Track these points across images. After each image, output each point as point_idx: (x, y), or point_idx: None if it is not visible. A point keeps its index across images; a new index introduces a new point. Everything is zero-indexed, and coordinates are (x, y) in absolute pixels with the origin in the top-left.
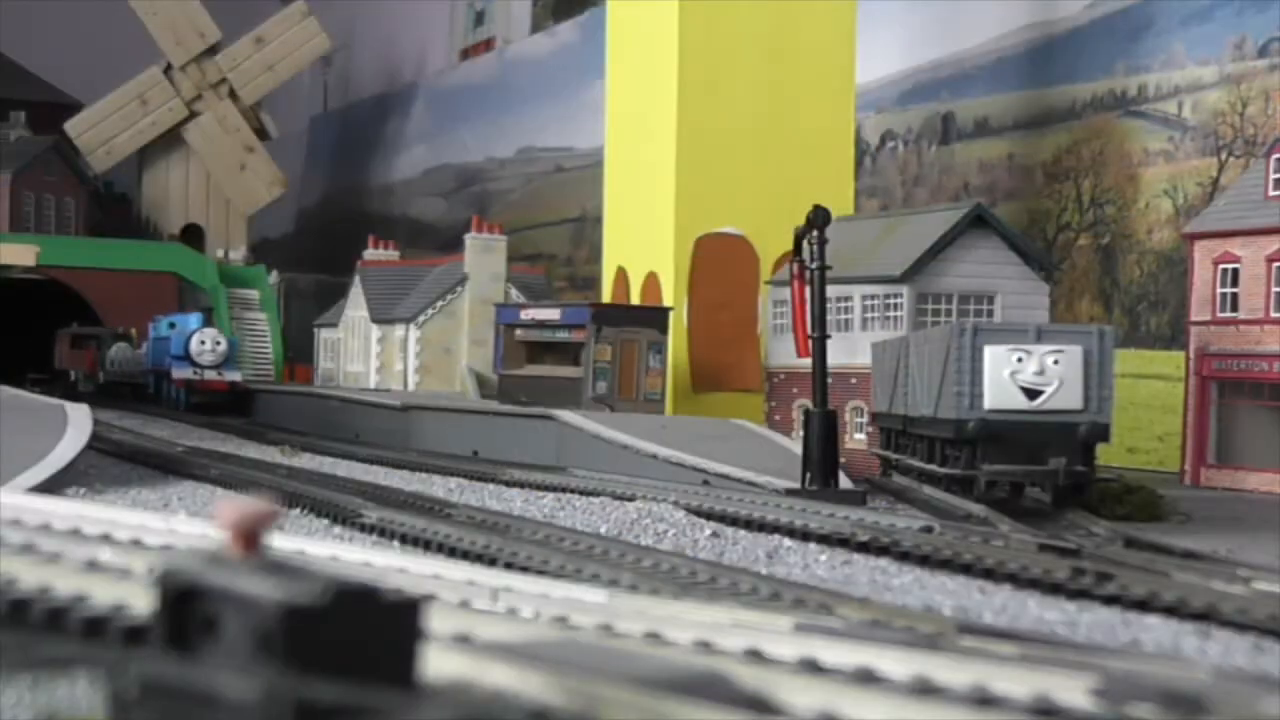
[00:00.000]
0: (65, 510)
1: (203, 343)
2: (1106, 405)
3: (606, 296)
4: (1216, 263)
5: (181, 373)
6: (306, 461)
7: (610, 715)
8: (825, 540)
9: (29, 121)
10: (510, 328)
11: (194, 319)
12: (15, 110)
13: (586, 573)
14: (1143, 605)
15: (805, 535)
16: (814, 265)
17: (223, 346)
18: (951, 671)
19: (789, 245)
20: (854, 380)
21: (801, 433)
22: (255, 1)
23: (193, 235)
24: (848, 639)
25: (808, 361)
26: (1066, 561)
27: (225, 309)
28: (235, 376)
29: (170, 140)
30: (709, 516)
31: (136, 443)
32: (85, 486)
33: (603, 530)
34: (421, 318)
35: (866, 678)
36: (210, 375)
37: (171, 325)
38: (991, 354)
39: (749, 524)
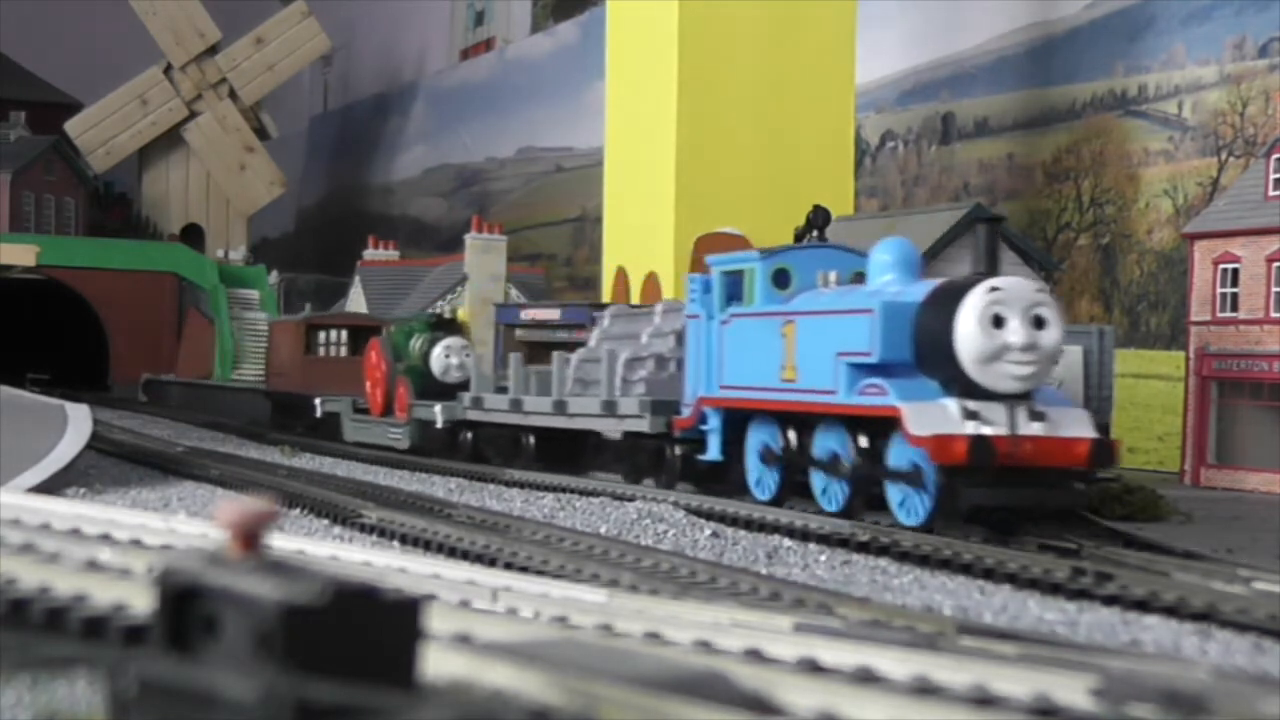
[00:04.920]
0: (65, 510)
1: (999, 319)
2: (1106, 405)
3: (606, 296)
4: (1216, 263)
5: (936, 423)
6: (306, 461)
7: (610, 715)
8: (825, 540)
9: (29, 121)
10: (510, 328)
11: (896, 253)
12: (15, 110)
13: (586, 573)
14: (1143, 605)
15: (805, 535)
16: None
17: (1055, 334)
18: (951, 671)
19: None
20: None
21: None
22: (255, 1)
23: (193, 235)
24: (848, 639)
25: None
26: (1066, 561)
27: (225, 309)
28: (1085, 428)
29: (170, 140)
30: (709, 516)
31: (136, 443)
32: (85, 486)
33: (603, 530)
34: None
35: (866, 678)
36: (1035, 428)
37: (780, 276)
38: None
39: (749, 524)
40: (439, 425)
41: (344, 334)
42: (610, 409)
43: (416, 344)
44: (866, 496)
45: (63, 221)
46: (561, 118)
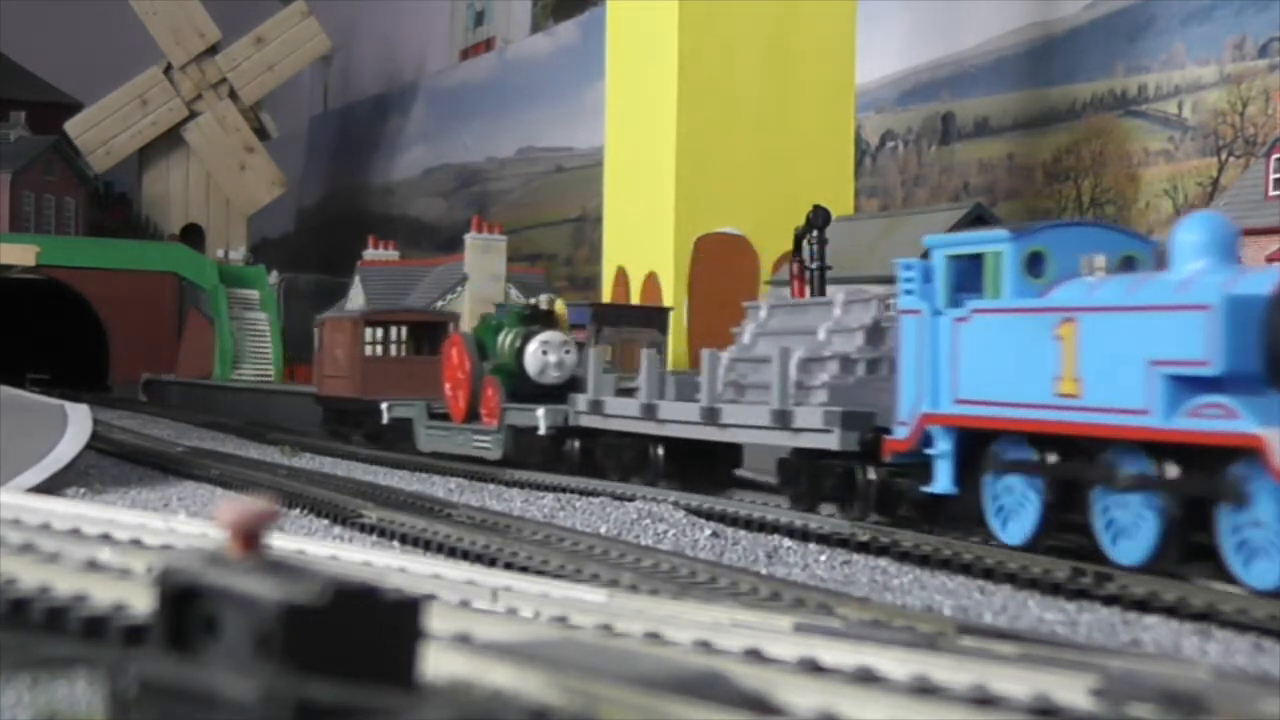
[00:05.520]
0: (65, 510)
1: None
2: None
3: (606, 296)
4: None
5: None
6: (306, 461)
7: (610, 715)
8: (825, 540)
9: (29, 121)
10: None
11: (1209, 231)
12: (15, 110)
13: (586, 573)
14: (1143, 605)
15: (805, 535)
16: (814, 265)
17: None
18: (951, 671)
19: (789, 245)
20: None
21: None
22: (255, 1)
23: (193, 235)
24: (848, 639)
25: None
26: (1066, 561)
27: (225, 309)
28: None
29: (170, 140)
30: (709, 516)
31: (136, 443)
32: (85, 486)
33: (603, 530)
34: None
35: (866, 678)
36: None
37: (1033, 261)
38: None
39: (749, 524)
40: (542, 432)
41: (404, 331)
42: (783, 420)
43: (506, 340)
44: (1184, 546)
45: (63, 221)
46: (561, 118)
